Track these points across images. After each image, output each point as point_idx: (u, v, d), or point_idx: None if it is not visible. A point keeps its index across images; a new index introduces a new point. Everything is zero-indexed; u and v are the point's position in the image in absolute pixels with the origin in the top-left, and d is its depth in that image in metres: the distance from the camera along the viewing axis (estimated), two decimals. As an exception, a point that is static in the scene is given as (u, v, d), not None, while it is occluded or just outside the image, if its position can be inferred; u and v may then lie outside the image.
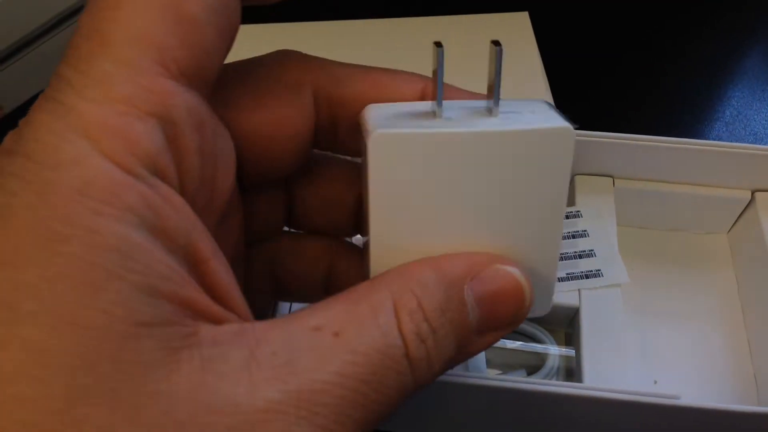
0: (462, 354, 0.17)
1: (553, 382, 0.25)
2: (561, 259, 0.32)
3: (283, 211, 0.22)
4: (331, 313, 0.15)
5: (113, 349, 0.12)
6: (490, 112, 0.17)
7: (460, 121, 0.16)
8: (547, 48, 0.45)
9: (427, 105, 0.17)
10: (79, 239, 0.12)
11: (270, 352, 0.14)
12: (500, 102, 0.17)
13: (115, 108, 0.13)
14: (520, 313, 0.17)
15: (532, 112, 0.17)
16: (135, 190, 0.13)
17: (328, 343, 0.14)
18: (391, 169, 0.16)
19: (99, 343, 0.12)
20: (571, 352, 0.31)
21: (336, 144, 0.20)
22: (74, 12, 0.41)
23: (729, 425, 0.26)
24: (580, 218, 0.33)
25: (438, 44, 0.16)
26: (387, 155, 0.16)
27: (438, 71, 0.16)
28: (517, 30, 0.46)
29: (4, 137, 0.14)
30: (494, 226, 0.17)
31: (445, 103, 0.17)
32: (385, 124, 0.16)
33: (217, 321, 0.14)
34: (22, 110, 0.38)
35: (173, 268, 0.13)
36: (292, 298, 0.26)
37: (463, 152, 0.16)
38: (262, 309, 0.23)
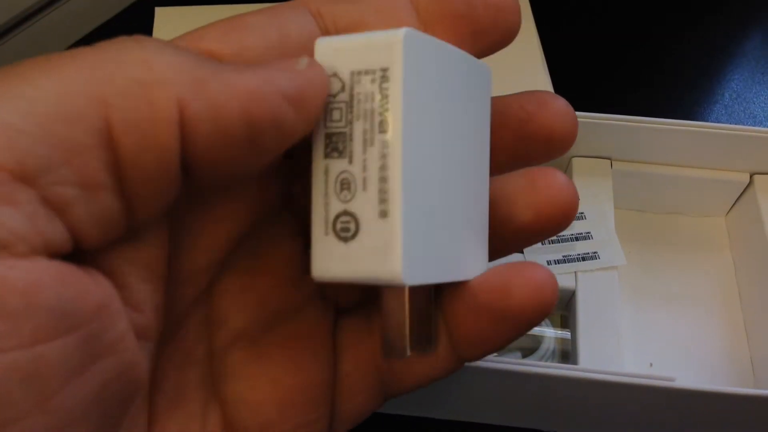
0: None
1: (548, 363, 0.25)
2: (557, 241, 0.31)
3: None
4: None
5: None
6: None
7: None
8: (546, 32, 0.44)
9: None
10: None
11: None
12: None
13: None
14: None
15: None
16: None
17: None
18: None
19: None
20: (567, 335, 0.31)
21: None
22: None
23: (724, 407, 0.26)
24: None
25: None
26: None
27: None
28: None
29: None
30: None
31: None
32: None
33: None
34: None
35: None
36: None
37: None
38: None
